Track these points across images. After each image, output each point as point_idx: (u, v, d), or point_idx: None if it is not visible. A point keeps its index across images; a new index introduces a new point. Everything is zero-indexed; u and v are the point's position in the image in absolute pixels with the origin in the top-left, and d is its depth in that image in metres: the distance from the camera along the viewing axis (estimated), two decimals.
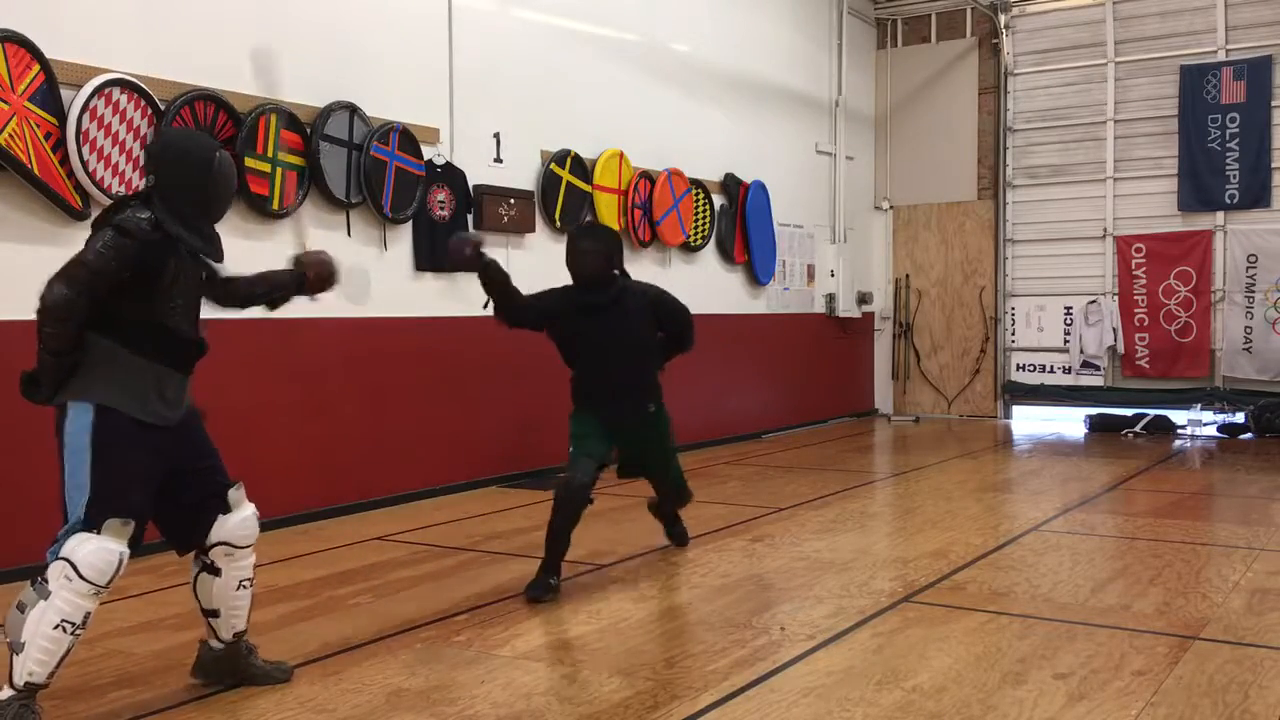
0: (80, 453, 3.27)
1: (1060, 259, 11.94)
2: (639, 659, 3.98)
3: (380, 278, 7.08)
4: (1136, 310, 11.57)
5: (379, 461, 7.05)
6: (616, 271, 5.17)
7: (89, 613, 3.25)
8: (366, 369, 6.94)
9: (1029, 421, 12.19)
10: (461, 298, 7.65)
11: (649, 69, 9.44)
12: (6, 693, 3.20)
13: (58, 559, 3.21)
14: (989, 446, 10.55)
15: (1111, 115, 11.63)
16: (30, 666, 3.17)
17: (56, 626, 3.17)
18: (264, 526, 6.12)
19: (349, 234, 6.86)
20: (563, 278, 8.50)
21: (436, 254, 7.40)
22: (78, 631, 3.23)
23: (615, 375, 5.16)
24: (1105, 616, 4.51)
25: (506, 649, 4.13)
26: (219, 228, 3.66)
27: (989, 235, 12.42)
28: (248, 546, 3.65)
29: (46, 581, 3.20)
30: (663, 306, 5.34)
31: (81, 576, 3.18)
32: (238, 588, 3.65)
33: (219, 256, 3.62)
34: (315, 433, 6.60)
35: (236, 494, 3.63)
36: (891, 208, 12.95)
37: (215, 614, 3.65)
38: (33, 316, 3.31)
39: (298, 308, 6.49)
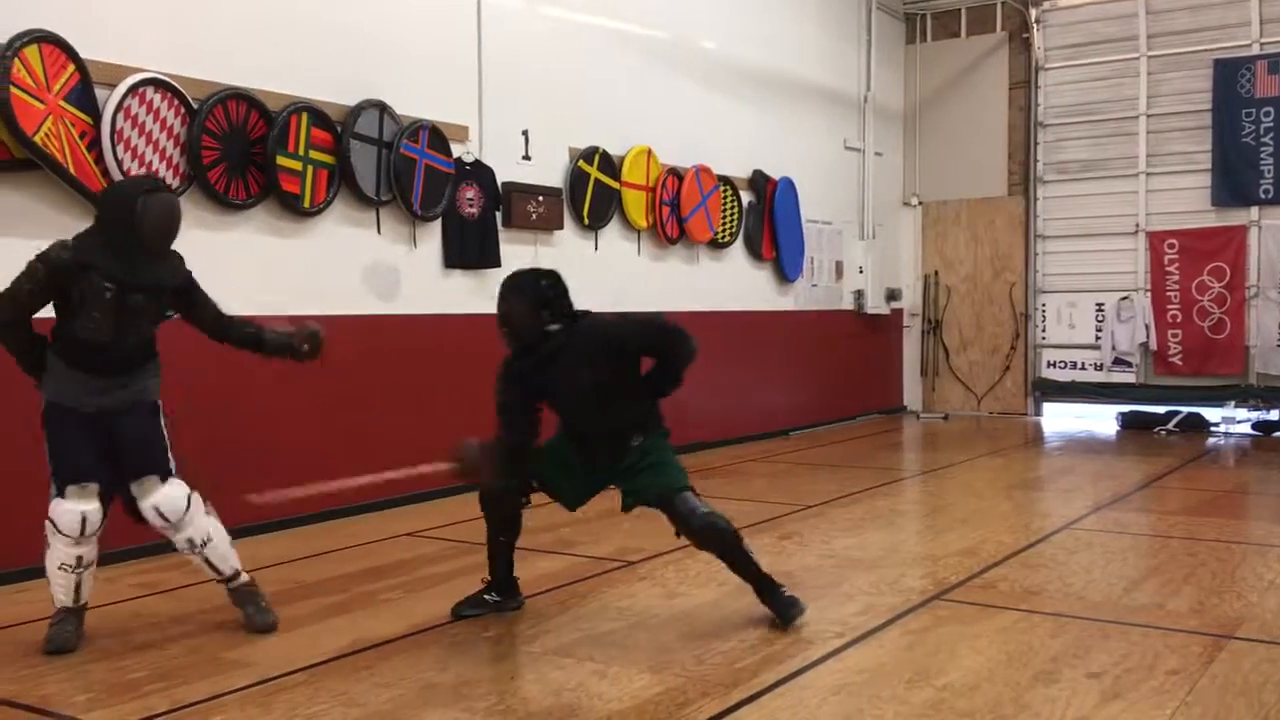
0: (45, 438, 4.11)
1: (1092, 255, 11.82)
2: (668, 655, 3.98)
3: (409, 275, 7.11)
4: (1169, 307, 11.45)
5: (408, 457, 7.05)
6: (552, 327, 4.35)
7: (79, 556, 4.07)
8: (395, 365, 6.97)
9: (1060, 419, 12.10)
10: (490, 295, 7.66)
11: (677, 65, 9.43)
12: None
13: (47, 519, 4.07)
14: (1019, 444, 10.49)
15: (1144, 110, 11.51)
16: (56, 595, 4.13)
17: (60, 568, 4.08)
18: (294, 522, 6.27)
19: (379, 231, 6.90)
20: (590, 273, 8.60)
21: (465, 252, 7.43)
22: (78, 570, 4.08)
23: (585, 431, 4.45)
24: (1139, 615, 4.48)
25: (537, 645, 4.14)
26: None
27: (1019, 231, 12.32)
28: (164, 527, 4.22)
29: (46, 536, 4.08)
30: (617, 341, 4.38)
31: (60, 532, 4.04)
32: (188, 551, 4.28)
33: (136, 279, 4.06)
34: (344, 428, 6.64)
35: (140, 486, 4.17)
36: (920, 203, 12.88)
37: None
38: None
39: (328, 304, 6.55)
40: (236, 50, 6.10)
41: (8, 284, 4.05)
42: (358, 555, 5.69)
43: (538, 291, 4.38)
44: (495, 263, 7.61)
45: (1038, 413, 12.35)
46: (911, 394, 13.00)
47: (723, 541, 4.33)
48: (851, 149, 11.96)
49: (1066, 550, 5.68)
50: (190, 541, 4.25)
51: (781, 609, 4.35)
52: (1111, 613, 4.50)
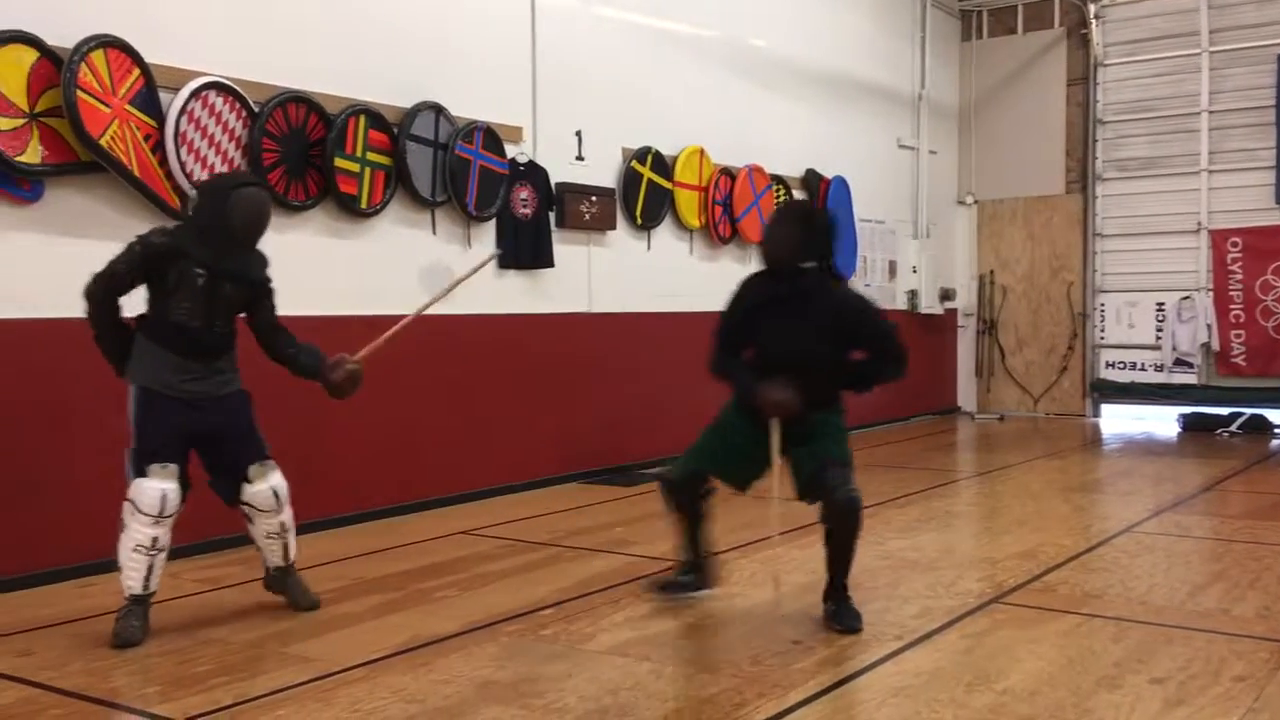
0: (131, 421, 4.20)
1: (1152, 254, 11.64)
2: (724, 655, 3.97)
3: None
4: (1232, 306, 11.24)
5: (462, 457, 7.13)
6: (808, 264, 4.32)
7: (155, 537, 4.12)
8: (449, 365, 7.02)
9: (1119, 420, 11.91)
10: (543, 295, 7.72)
11: (729, 64, 9.41)
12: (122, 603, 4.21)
13: (126, 500, 4.13)
14: (1077, 446, 10.34)
15: (1205, 106, 11.31)
16: (126, 582, 4.16)
17: (135, 549, 4.12)
18: (349, 520, 6.34)
19: (434, 232, 6.95)
20: (642, 273, 8.62)
21: (519, 253, 7.47)
22: (152, 552, 4.12)
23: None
24: (1203, 620, 4.40)
25: (593, 643, 4.16)
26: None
27: (1077, 230, 12.16)
28: (269, 510, 4.42)
29: (123, 518, 4.13)
30: (854, 315, 4.36)
31: (140, 510, 4.10)
32: (266, 537, 4.48)
33: (226, 268, 4.25)
34: (399, 428, 6.70)
35: (258, 469, 4.40)
36: (976, 202, 12.75)
37: (258, 548, 4.54)
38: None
39: (381, 304, 6.62)
40: (296, 54, 6.18)
41: (108, 262, 4.20)
42: (413, 553, 5.74)
43: (811, 226, 4.37)
44: (549, 263, 7.65)
45: (1096, 414, 12.17)
46: (966, 395, 12.87)
47: (851, 523, 4.29)
48: (905, 147, 11.87)
49: (1127, 554, 5.59)
50: (283, 525, 4.47)
51: (844, 615, 4.31)
52: (1175, 617, 4.43)
